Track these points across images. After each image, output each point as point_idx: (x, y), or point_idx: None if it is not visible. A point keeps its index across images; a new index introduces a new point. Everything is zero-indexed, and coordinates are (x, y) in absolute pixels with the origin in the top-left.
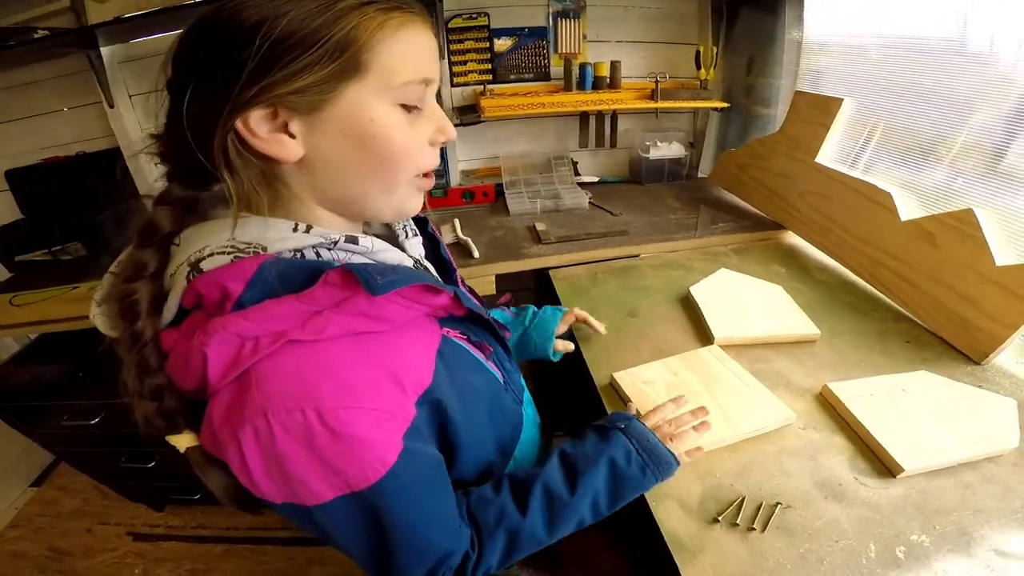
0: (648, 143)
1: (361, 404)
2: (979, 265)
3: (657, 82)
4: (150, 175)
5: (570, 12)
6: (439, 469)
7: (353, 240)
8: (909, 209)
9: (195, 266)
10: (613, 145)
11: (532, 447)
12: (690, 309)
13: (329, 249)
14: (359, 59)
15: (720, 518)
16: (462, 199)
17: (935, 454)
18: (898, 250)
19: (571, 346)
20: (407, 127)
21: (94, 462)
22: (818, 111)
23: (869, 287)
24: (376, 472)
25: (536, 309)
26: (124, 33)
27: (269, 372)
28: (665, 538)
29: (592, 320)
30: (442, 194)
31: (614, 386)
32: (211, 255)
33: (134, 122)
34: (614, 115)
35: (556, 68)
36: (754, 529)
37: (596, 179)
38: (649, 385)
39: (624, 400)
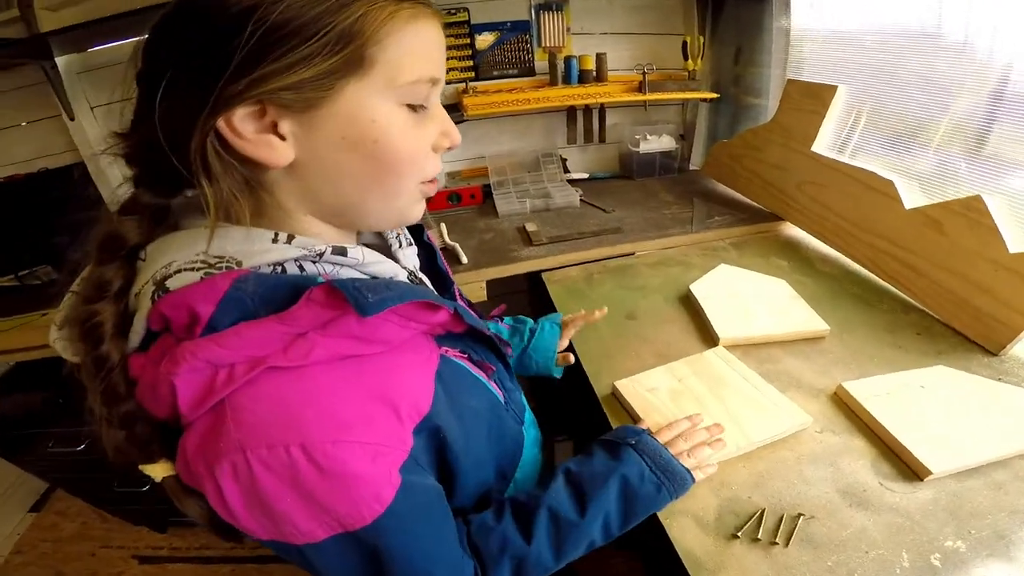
0: (638, 137)
1: (353, 438)
2: (991, 252)
3: (644, 74)
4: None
5: (553, 4)
6: (439, 500)
7: (341, 251)
8: (913, 197)
9: (160, 285)
10: (602, 140)
11: (533, 468)
12: (691, 308)
13: (314, 262)
14: (364, 53)
15: (739, 533)
16: (448, 202)
17: (963, 454)
18: (903, 239)
19: (571, 358)
20: (411, 130)
21: (88, 488)
22: (811, 99)
23: (875, 278)
24: (373, 511)
25: (533, 324)
26: (80, 41)
27: (247, 403)
28: (681, 557)
29: (589, 317)
30: None
31: (616, 396)
32: (178, 272)
33: (98, 135)
34: (602, 109)
35: (540, 63)
36: (777, 543)
37: (586, 175)
38: (653, 393)
39: (630, 413)
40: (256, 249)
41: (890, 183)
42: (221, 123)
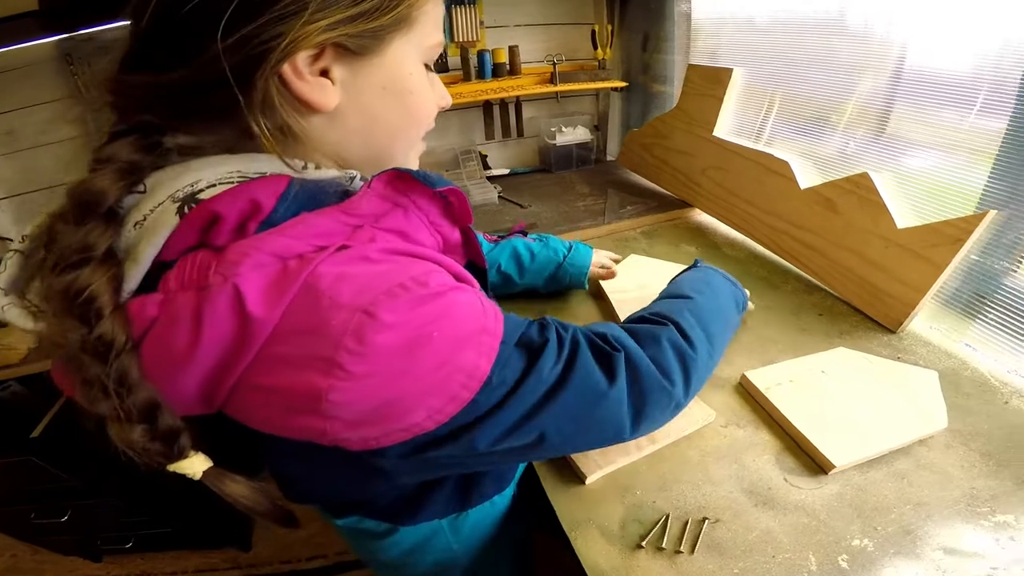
0: (554, 129)
1: (436, 273)
2: (881, 229)
3: (555, 64)
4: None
5: None
6: None
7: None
8: (808, 177)
9: (191, 198)
10: (520, 134)
11: None
12: (603, 302)
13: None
14: (410, 13)
15: (644, 543)
16: None
17: (865, 444)
18: (801, 219)
19: (613, 271)
20: (429, 86)
21: (3, 521)
22: (710, 83)
23: (779, 259)
24: (498, 313)
25: (566, 243)
26: None
27: (336, 268)
28: (587, 571)
29: (613, 267)
30: None
31: None
32: (211, 186)
33: None
34: (518, 103)
35: (453, 58)
36: (682, 552)
37: (507, 171)
38: None
39: None
40: (291, 169)
41: (785, 164)
42: (286, 64)
